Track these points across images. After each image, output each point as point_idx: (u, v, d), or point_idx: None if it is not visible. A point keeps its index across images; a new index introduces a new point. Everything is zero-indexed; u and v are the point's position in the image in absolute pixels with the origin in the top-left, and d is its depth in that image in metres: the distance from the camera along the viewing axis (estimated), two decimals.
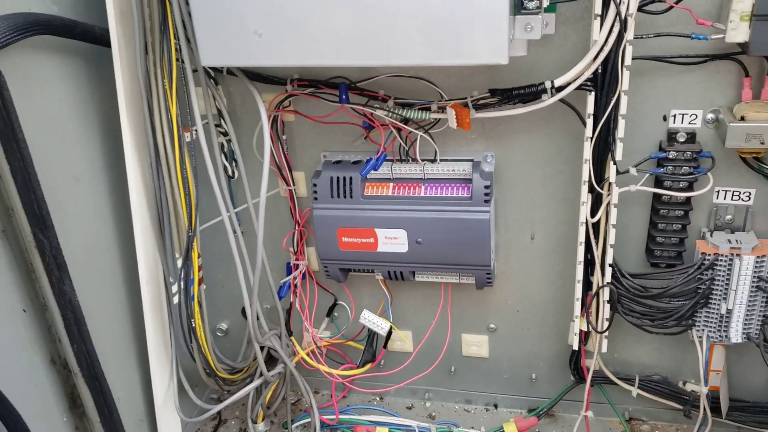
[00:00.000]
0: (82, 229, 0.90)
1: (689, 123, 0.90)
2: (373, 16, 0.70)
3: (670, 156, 0.90)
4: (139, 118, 0.89)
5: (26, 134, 0.76)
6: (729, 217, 0.95)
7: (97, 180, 0.92)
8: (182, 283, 0.93)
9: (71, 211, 0.88)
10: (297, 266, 1.11)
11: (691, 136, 0.90)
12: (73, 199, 0.88)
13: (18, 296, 0.83)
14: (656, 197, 0.94)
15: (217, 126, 1.00)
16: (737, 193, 0.92)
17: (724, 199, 0.93)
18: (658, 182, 0.92)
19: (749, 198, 0.92)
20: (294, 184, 1.07)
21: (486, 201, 0.94)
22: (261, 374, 1.05)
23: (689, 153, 0.89)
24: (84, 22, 0.82)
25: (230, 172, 1.06)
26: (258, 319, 1.20)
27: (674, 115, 0.90)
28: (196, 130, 0.93)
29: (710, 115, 0.89)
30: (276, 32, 0.73)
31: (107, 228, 0.95)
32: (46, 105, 0.83)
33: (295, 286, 1.11)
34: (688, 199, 0.93)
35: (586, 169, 0.89)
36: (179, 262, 0.94)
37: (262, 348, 1.18)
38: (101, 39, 0.84)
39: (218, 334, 1.25)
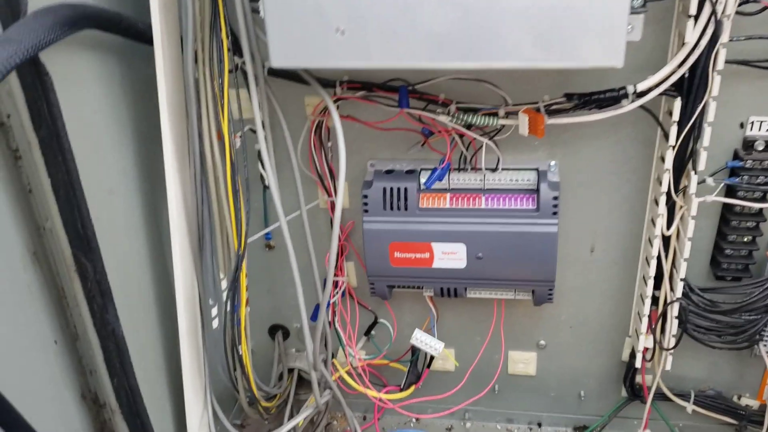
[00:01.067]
0: (115, 247, 0.81)
1: (767, 131, 0.86)
2: (474, 12, 0.63)
3: (747, 165, 0.86)
4: (181, 124, 0.80)
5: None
6: None
7: (131, 193, 0.82)
8: (228, 305, 0.84)
9: (106, 228, 0.78)
10: (336, 283, 1.03)
11: None
12: (107, 215, 0.78)
13: (50, 326, 0.74)
14: (728, 207, 0.90)
15: (252, 131, 0.91)
16: None
17: None
18: (730, 192, 0.88)
19: None
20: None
21: (554, 213, 0.88)
22: (294, 400, 0.97)
23: (767, 162, 0.85)
24: (128, 16, 0.73)
25: (267, 182, 0.97)
26: (285, 340, 1.13)
27: (752, 123, 0.86)
28: (241, 136, 0.85)
29: None
30: (362, 30, 0.65)
31: (141, 245, 0.85)
32: (81, 109, 0.73)
33: (335, 303, 1.03)
34: (761, 209, 0.89)
35: (666, 180, 0.84)
36: (224, 283, 0.85)
37: (291, 370, 1.10)
38: (144, 35, 0.75)
39: None
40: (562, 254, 0.99)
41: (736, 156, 0.87)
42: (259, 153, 0.95)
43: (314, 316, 1.03)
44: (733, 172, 0.87)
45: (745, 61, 0.81)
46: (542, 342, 1.07)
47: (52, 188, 0.65)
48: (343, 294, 1.04)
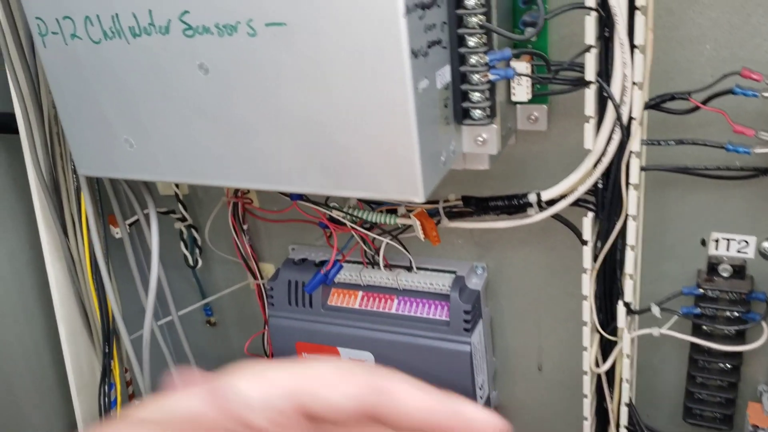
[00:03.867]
0: (3, 333, 0.80)
1: (737, 251, 0.66)
2: (246, 134, 0.53)
3: (710, 294, 0.66)
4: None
5: None
6: None
7: (19, 278, 0.82)
8: (101, 404, 0.80)
9: None
10: None
11: (740, 270, 0.66)
12: None
13: None
14: (693, 343, 0.70)
15: (169, 213, 0.87)
16: None
17: None
18: (696, 325, 0.69)
19: None
20: (262, 278, 0.92)
21: (467, 329, 0.74)
22: None
23: (736, 293, 0.65)
24: None
25: (191, 261, 0.93)
26: None
27: (716, 240, 0.66)
28: (131, 224, 0.80)
29: (767, 244, 0.64)
30: (148, 143, 0.57)
31: (34, 330, 0.84)
32: None
33: None
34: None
35: (587, 308, 0.67)
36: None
37: None
38: (4, 127, 0.73)
39: None
40: (506, 368, 0.84)
41: (697, 282, 0.67)
42: (180, 233, 0.91)
43: None
44: (696, 300, 0.68)
45: (688, 169, 0.62)
46: None
47: None
48: None
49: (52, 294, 0.78)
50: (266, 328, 0.93)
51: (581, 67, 0.57)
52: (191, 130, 0.55)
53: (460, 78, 0.52)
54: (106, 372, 0.78)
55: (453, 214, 0.71)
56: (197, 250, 0.93)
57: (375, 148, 0.49)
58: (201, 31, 0.50)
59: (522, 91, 0.58)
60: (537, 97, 0.60)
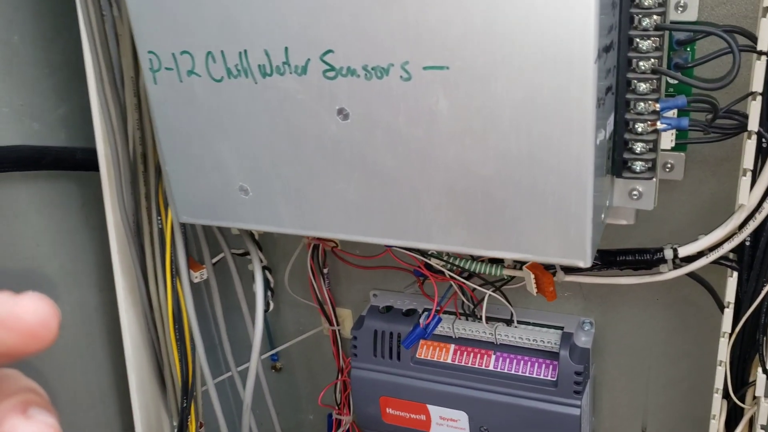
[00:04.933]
0: (64, 383, 0.75)
1: None
2: (390, 184, 0.48)
3: None
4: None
5: None
6: None
7: (87, 326, 0.76)
8: None
9: (47, 367, 0.72)
10: (340, 422, 0.90)
11: None
12: (50, 351, 0.72)
13: None
14: None
15: (245, 255, 0.82)
16: None
17: None
18: None
19: None
20: (339, 324, 0.86)
21: (577, 392, 0.69)
22: None
23: None
24: (61, 147, 0.67)
25: (265, 305, 0.87)
26: None
27: None
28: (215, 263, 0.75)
29: None
30: (267, 192, 0.52)
31: (101, 380, 0.78)
32: (16, 244, 0.67)
33: None
34: None
35: (721, 374, 0.61)
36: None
37: None
38: (85, 164, 0.68)
39: None
40: (608, 429, 0.78)
41: None
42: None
43: None
44: None
45: None
46: None
47: None
48: None
49: (124, 342, 0.72)
50: (340, 377, 0.88)
51: (738, 115, 0.52)
52: (321, 179, 0.50)
53: (623, 127, 0.47)
54: (183, 428, 0.72)
55: (569, 267, 0.65)
56: (270, 293, 0.87)
57: (539, 205, 0.44)
58: (345, 73, 0.45)
59: (667, 138, 0.53)
60: (678, 145, 0.55)
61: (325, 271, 0.83)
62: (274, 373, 0.95)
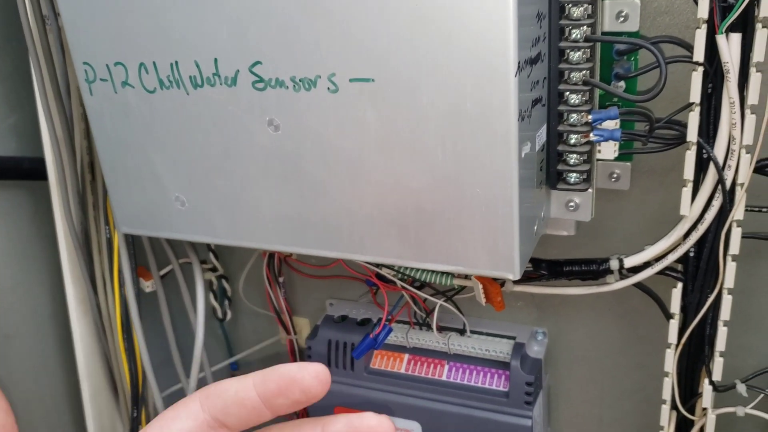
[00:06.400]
0: (18, 393, 0.74)
1: None
2: (316, 199, 0.47)
3: None
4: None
5: None
6: None
7: (39, 335, 0.75)
8: None
9: (12, 368, 0.72)
10: None
11: None
12: (2, 360, 0.72)
13: None
14: None
15: (202, 263, 0.81)
16: None
17: None
18: None
19: None
20: (296, 333, 0.86)
21: (528, 402, 0.68)
22: None
23: None
24: (7, 156, 0.66)
25: (220, 314, 0.87)
26: None
27: None
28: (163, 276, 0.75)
29: None
30: (202, 203, 0.52)
31: (55, 389, 0.78)
32: None
33: None
34: None
35: (668, 385, 0.61)
36: None
37: None
38: (32, 174, 0.67)
39: None
40: None
41: None
42: (210, 284, 0.85)
43: None
44: None
45: None
46: None
47: None
48: None
49: (76, 352, 0.72)
50: None
51: (679, 125, 0.52)
52: (254, 190, 0.49)
53: (556, 138, 0.47)
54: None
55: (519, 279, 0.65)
56: (227, 302, 0.87)
57: (467, 218, 0.44)
58: (274, 85, 0.45)
59: (609, 148, 0.53)
60: (622, 155, 0.55)
61: (281, 280, 0.82)
62: None
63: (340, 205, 0.47)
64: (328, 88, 0.44)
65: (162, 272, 0.75)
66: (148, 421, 0.74)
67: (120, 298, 0.68)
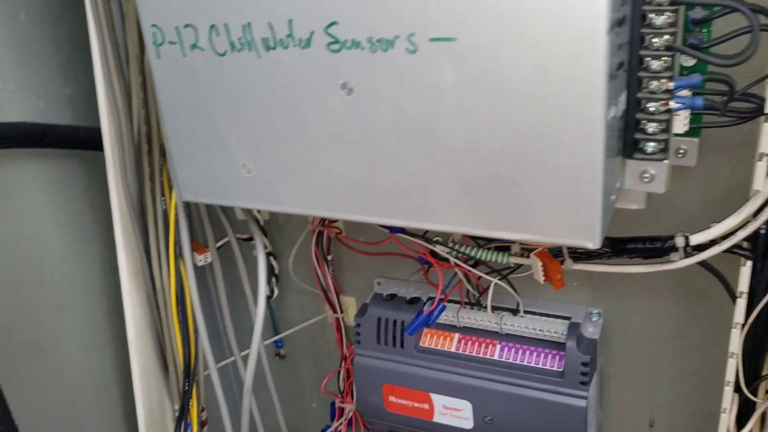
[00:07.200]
0: (69, 365, 0.74)
1: None
2: (387, 165, 0.47)
3: None
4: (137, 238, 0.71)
5: None
6: None
7: (91, 307, 0.75)
8: None
9: (52, 348, 0.72)
10: (342, 410, 0.89)
11: None
12: (55, 333, 0.72)
13: None
14: None
15: (249, 240, 0.81)
16: None
17: None
18: None
19: None
20: (342, 311, 0.85)
21: (583, 383, 0.67)
22: None
23: None
24: (64, 125, 0.66)
25: (268, 291, 0.87)
26: None
27: None
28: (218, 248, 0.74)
29: None
30: (268, 170, 0.51)
31: (104, 362, 0.78)
32: (18, 222, 0.67)
33: None
34: None
35: (732, 366, 0.60)
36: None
37: None
38: (87, 143, 0.67)
39: None
40: (614, 422, 0.77)
41: None
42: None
43: None
44: None
45: None
46: None
47: None
48: (350, 423, 0.89)
49: (127, 325, 0.72)
50: (343, 365, 0.87)
51: (756, 98, 0.51)
52: (323, 156, 0.49)
53: (635, 106, 0.46)
54: (185, 411, 0.72)
55: (578, 256, 0.64)
56: (274, 279, 0.86)
57: (547, 184, 0.43)
58: (349, 46, 0.44)
59: (680, 121, 0.51)
60: (692, 129, 0.53)
61: (329, 258, 0.82)
62: (278, 360, 0.94)
63: (411, 171, 0.46)
64: (407, 49, 0.43)
65: (217, 244, 0.75)
66: (198, 395, 0.74)
67: (175, 271, 0.67)
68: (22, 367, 0.69)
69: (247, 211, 0.68)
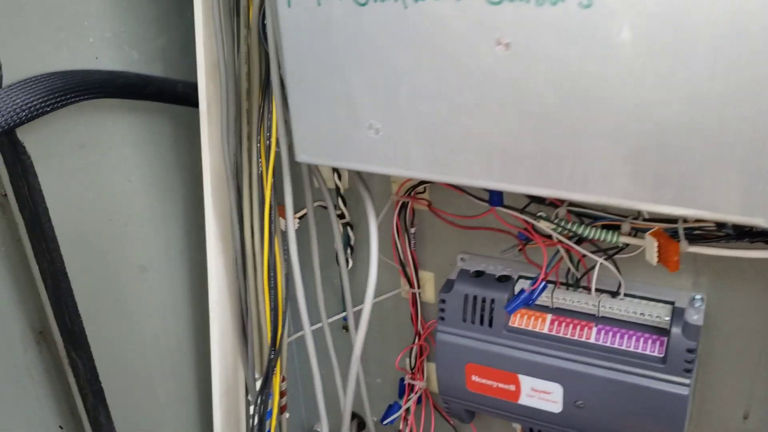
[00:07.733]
0: (148, 326, 0.72)
1: None
2: (548, 128, 0.44)
3: None
4: (226, 201, 0.68)
5: (76, 215, 0.58)
6: None
7: (171, 269, 0.73)
8: (257, 414, 0.72)
9: (133, 309, 0.70)
10: (413, 387, 0.87)
11: None
12: (137, 293, 0.70)
13: (53, 411, 0.67)
14: None
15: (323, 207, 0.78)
16: None
17: None
18: None
19: None
20: (419, 287, 0.83)
21: (687, 370, 0.65)
22: None
23: None
24: (162, 77, 0.63)
25: (343, 262, 0.84)
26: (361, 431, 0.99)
27: None
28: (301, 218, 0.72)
29: None
30: (399, 130, 0.48)
31: (180, 325, 0.76)
32: (108, 178, 0.64)
33: (407, 411, 0.87)
34: None
35: None
36: (258, 384, 0.73)
37: None
38: (185, 98, 0.64)
39: None
40: (704, 412, 0.74)
41: None
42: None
43: (385, 417, 0.88)
44: None
45: None
46: None
47: (41, 276, 0.57)
48: (419, 401, 0.87)
49: (209, 289, 0.70)
50: (417, 341, 0.84)
51: None
52: (465, 117, 0.46)
53: None
54: (268, 379, 0.69)
55: (694, 237, 0.61)
56: (349, 250, 0.84)
57: (724, 156, 0.40)
58: None
59: None
60: None
61: (412, 231, 0.79)
62: (345, 333, 0.92)
63: (566, 137, 0.44)
64: (580, 3, 0.40)
65: (299, 214, 0.73)
66: (282, 364, 0.71)
67: (269, 235, 0.65)
68: (108, 328, 0.67)
69: (357, 177, 0.65)
